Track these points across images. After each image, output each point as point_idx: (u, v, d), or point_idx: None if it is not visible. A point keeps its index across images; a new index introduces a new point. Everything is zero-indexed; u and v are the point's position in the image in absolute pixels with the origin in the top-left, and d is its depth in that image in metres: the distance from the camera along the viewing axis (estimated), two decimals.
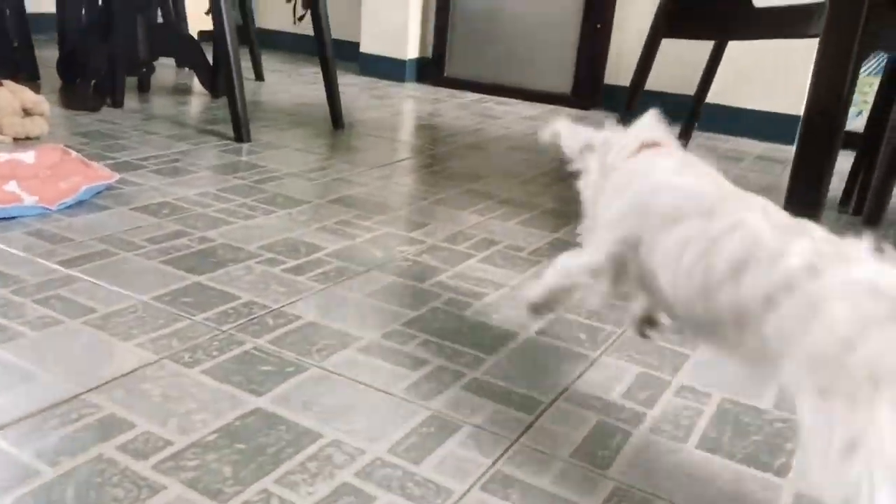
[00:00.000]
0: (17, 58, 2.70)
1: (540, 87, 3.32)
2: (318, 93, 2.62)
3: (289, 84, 3.22)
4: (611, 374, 1.06)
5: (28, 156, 1.65)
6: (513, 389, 1.00)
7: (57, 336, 1.03)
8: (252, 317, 1.14)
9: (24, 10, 2.73)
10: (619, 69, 3.19)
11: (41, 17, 3.14)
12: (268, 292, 1.23)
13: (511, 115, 3.03)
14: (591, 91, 3.25)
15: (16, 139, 1.96)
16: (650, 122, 0.97)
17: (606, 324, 1.22)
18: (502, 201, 1.86)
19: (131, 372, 0.96)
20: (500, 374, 1.04)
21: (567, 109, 3.21)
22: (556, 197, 1.95)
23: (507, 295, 1.30)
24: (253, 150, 2.12)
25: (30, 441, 0.81)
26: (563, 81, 3.29)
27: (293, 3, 2.70)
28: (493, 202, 1.85)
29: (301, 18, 2.55)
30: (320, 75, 2.45)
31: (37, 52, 2.76)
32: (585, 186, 1.00)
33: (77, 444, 0.81)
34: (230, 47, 2.12)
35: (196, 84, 2.94)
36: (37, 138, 1.99)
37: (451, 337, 1.13)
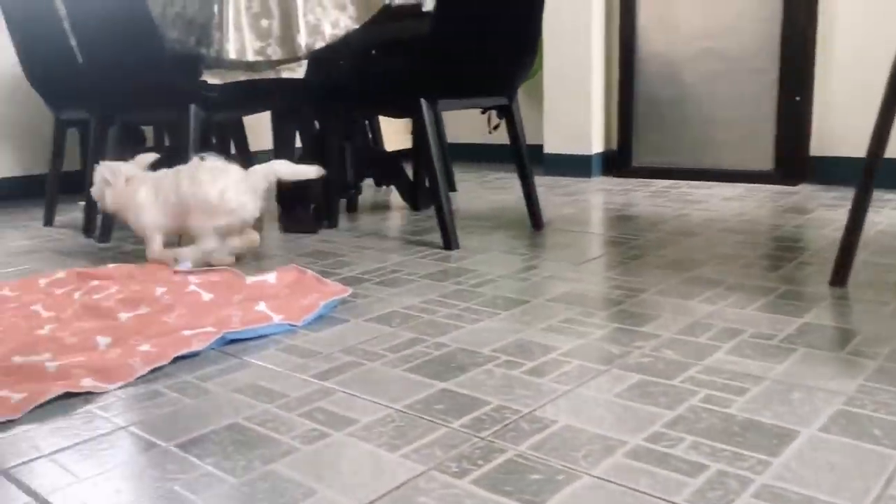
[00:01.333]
0: None
1: (738, 166, 3.19)
2: (511, 196, 2.67)
3: (481, 191, 3.32)
4: None
5: (270, 277, 1.78)
6: (815, 497, 0.88)
7: (326, 449, 1.05)
8: (506, 422, 1.11)
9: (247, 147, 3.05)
10: (827, 138, 3.00)
11: (259, 153, 3.50)
12: (514, 395, 1.20)
13: (713, 197, 2.91)
14: (795, 165, 3.06)
15: (238, 257, 2.14)
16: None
17: None
18: (730, 287, 1.75)
19: (403, 484, 0.95)
20: (793, 479, 0.93)
21: (772, 187, 3.04)
22: (786, 278, 1.80)
23: (771, 388, 1.19)
24: (462, 255, 2.17)
25: None
26: (763, 158, 3.14)
27: (487, 115, 2.81)
28: (720, 289, 1.74)
29: (496, 127, 2.63)
30: (508, 180, 2.51)
31: None
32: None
33: None
34: (436, 162, 2.22)
35: (395, 200, 3.11)
36: (251, 251, 2.17)
37: (721, 438, 1.04)
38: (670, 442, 1.03)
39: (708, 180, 3.23)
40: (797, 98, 2.99)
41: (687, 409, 1.13)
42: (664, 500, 0.90)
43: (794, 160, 3.05)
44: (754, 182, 3.12)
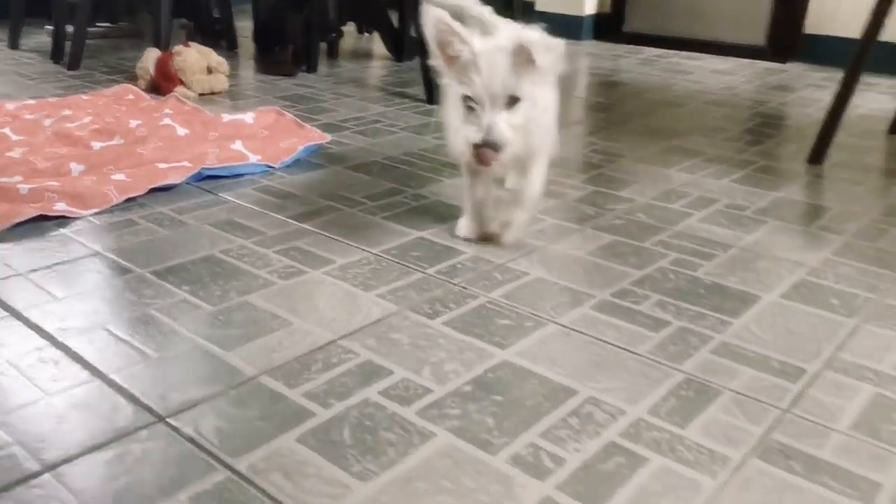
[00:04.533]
0: (218, 29, 2.87)
1: (730, 39, 3.11)
2: None
3: None
4: (878, 344, 0.96)
5: (247, 116, 1.74)
6: (770, 356, 0.93)
7: (303, 285, 1.07)
8: (480, 272, 1.13)
9: None
10: (821, 17, 2.92)
11: None
12: (489, 248, 1.22)
13: (702, 69, 2.86)
14: (787, 42, 3.00)
15: (201, 94, 2.12)
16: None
17: (859, 289, 1.11)
18: (710, 159, 1.75)
19: (378, 321, 0.98)
20: (752, 339, 0.97)
21: (762, 63, 2.98)
22: (767, 153, 1.81)
23: (738, 256, 1.22)
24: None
25: (299, 383, 0.84)
26: (755, 33, 3.06)
27: None
28: (699, 160, 1.74)
29: None
30: None
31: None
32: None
33: (343, 387, 0.84)
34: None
35: (378, 48, 3.00)
36: (219, 93, 2.17)
37: (687, 298, 1.07)
38: (636, 299, 1.07)
39: (699, 51, 3.16)
40: None
41: (655, 270, 1.16)
42: (626, 350, 0.94)
43: (786, 37, 2.98)
44: (745, 56, 3.05)
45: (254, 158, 1.54)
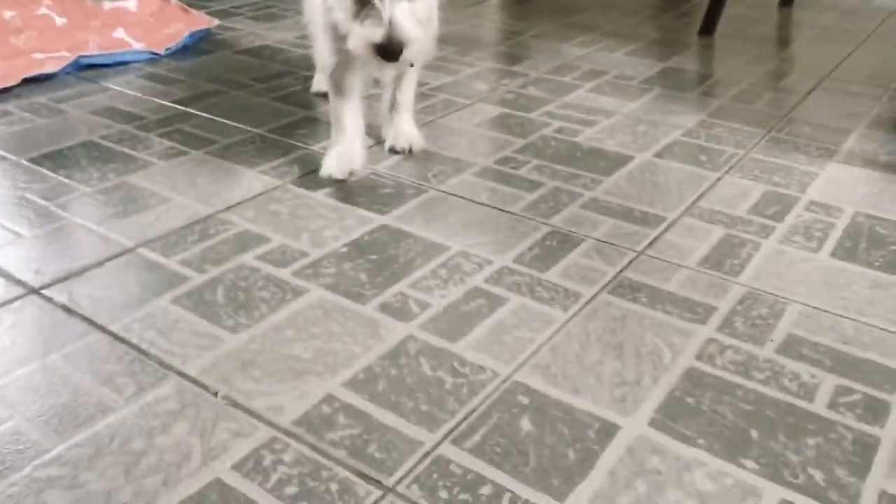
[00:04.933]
0: None
1: None
2: None
3: None
4: (736, 193, 1.03)
5: (130, 4, 1.66)
6: (634, 207, 0.99)
7: (183, 165, 1.07)
8: (367, 146, 1.14)
9: None
10: None
11: None
12: (377, 126, 1.22)
13: None
14: None
15: None
16: None
17: (728, 146, 1.17)
18: (605, 33, 1.77)
19: (259, 194, 0.99)
20: (619, 193, 1.02)
21: None
22: (661, 27, 1.84)
23: (620, 122, 1.26)
24: None
25: (175, 253, 0.86)
26: None
27: None
28: (596, 34, 1.76)
29: None
30: None
31: None
32: None
33: (219, 254, 0.85)
34: None
35: None
36: None
37: (565, 161, 1.11)
38: (516, 164, 1.10)
39: None
40: None
41: (538, 138, 1.20)
42: (500, 209, 0.98)
43: None
44: None
45: (138, 46, 1.49)
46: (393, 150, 1.13)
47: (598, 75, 1.49)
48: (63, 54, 1.41)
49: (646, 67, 1.54)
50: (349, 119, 1.04)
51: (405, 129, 1.13)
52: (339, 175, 1.03)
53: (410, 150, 1.12)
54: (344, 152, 1.03)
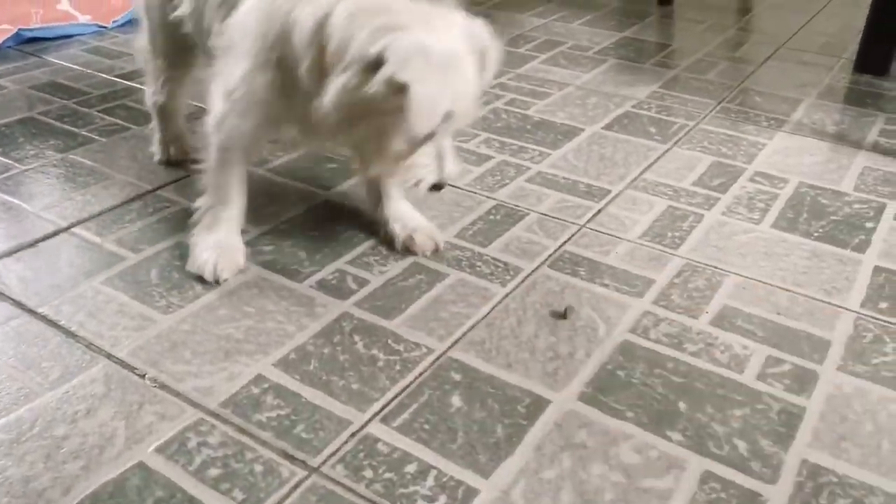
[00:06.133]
0: None
1: None
2: None
3: None
4: (683, 164, 1.03)
5: None
6: (579, 180, 0.98)
7: (125, 141, 1.05)
8: None
9: None
10: None
11: None
12: None
13: None
14: None
15: None
16: None
17: (678, 117, 1.17)
18: (565, 2, 1.75)
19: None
20: (566, 167, 1.02)
21: None
22: None
23: (572, 94, 1.25)
24: None
25: (111, 232, 0.84)
26: None
27: None
28: (554, 4, 1.74)
29: None
30: None
31: None
32: None
33: (156, 233, 0.84)
34: None
35: None
36: None
37: (514, 135, 1.11)
38: (465, 138, 1.09)
39: None
40: None
41: (490, 111, 1.18)
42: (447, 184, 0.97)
43: None
44: None
45: (83, 18, 1.45)
46: (409, 251, 0.82)
47: (554, 46, 1.47)
48: (3, 27, 1.36)
49: (603, 37, 1.53)
50: (235, 196, 0.79)
51: (419, 223, 0.84)
52: (225, 275, 0.76)
53: (437, 249, 0.83)
54: (225, 242, 0.78)
